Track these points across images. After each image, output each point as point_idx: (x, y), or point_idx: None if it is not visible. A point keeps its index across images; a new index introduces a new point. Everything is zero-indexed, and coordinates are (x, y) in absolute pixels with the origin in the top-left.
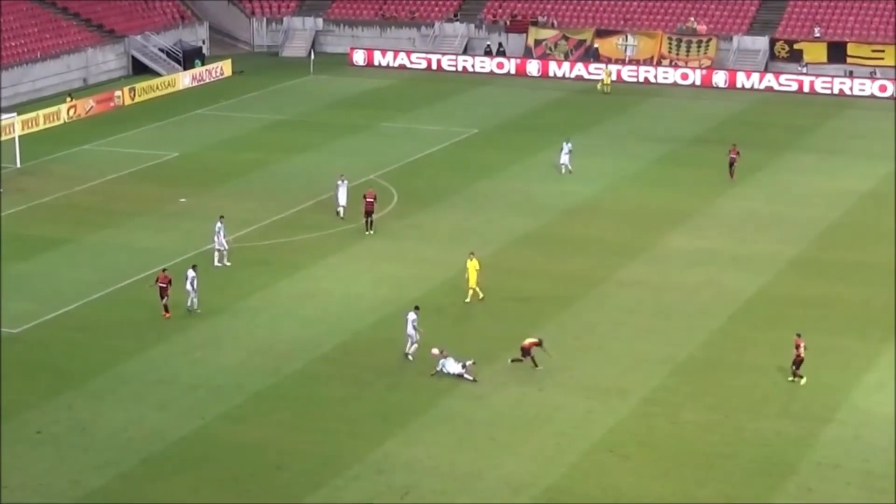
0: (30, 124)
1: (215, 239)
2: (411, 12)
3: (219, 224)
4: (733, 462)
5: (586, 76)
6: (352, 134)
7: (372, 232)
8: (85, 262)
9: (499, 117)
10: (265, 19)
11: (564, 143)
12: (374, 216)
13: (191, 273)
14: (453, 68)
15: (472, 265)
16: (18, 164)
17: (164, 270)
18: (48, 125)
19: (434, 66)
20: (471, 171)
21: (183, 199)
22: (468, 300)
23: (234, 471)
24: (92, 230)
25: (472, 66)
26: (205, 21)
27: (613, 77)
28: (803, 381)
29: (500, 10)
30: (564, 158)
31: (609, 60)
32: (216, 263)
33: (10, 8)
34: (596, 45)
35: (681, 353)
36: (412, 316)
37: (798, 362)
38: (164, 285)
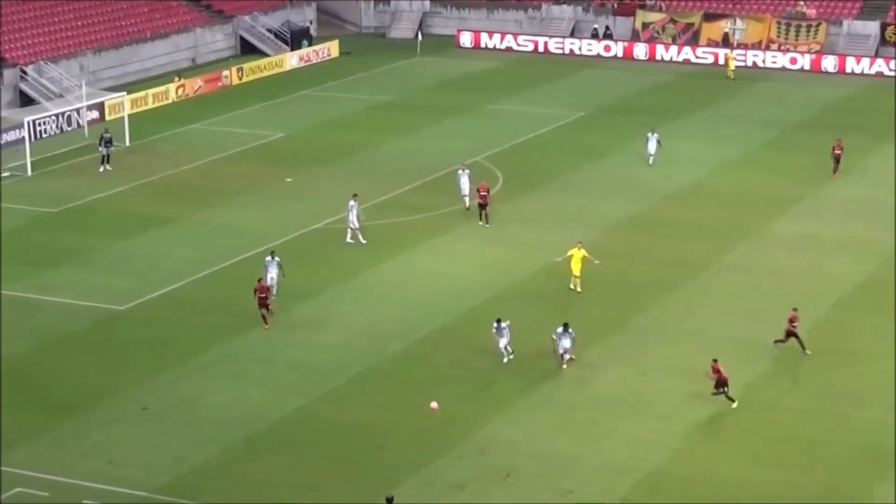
0: (139, 103)
1: (349, 217)
2: None
3: (351, 202)
4: (837, 450)
5: (693, 60)
6: (457, 116)
7: (487, 225)
8: (190, 241)
9: (605, 100)
10: (373, 0)
11: (650, 133)
12: (488, 209)
13: (268, 259)
14: (560, 51)
15: (578, 254)
16: (127, 143)
17: (259, 280)
18: (157, 104)
19: (541, 49)
20: (576, 155)
21: (288, 179)
22: (573, 287)
23: (335, 450)
24: (197, 209)
25: (579, 48)
26: (313, 2)
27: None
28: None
29: None
30: (651, 148)
31: (716, 44)
32: (348, 240)
33: None
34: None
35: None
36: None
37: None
38: (263, 295)
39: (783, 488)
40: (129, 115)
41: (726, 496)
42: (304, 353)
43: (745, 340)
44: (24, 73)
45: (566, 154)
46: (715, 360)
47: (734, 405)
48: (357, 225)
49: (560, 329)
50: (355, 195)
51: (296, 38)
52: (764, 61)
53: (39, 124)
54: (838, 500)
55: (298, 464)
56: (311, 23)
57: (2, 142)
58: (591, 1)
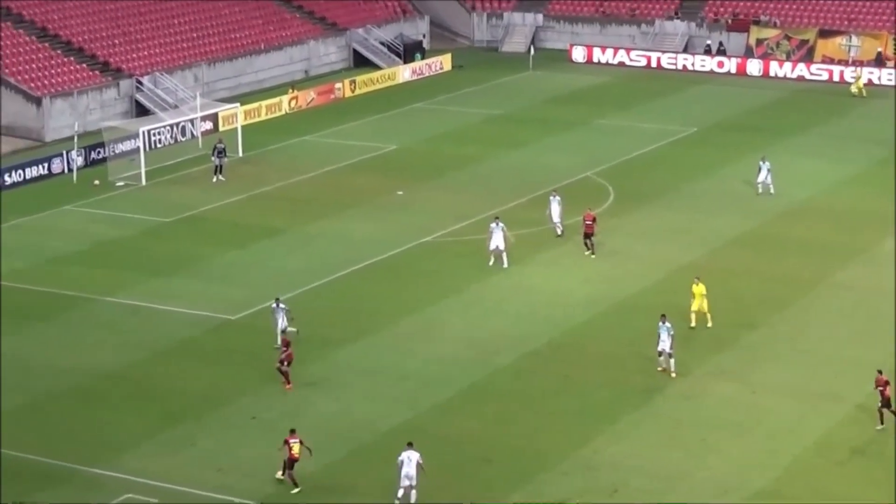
0: (252, 115)
1: (492, 240)
2: (632, 9)
3: (493, 224)
4: None
5: (808, 76)
6: (569, 130)
7: (593, 256)
8: (300, 252)
9: (718, 117)
10: (486, 14)
11: (762, 162)
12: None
13: (273, 306)
14: (673, 66)
15: (699, 290)
16: (240, 154)
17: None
18: (270, 116)
19: (654, 64)
20: (688, 170)
21: (400, 192)
22: (693, 325)
23: (442, 462)
24: (308, 220)
25: (692, 64)
26: (426, 15)
27: (864, 80)
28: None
29: (721, 9)
30: (764, 177)
31: (832, 61)
32: (490, 264)
33: (235, 1)
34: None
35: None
36: (412, 455)
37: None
38: (285, 352)
39: None
40: (243, 126)
41: None
42: (411, 366)
43: (855, 360)
44: (140, 83)
45: (678, 170)
46: (880, 372)
47: (879, 427)
48: (502, 248)
49: (659, 323)
50: (496, 218)
51: (409, 51)
52: (879, 78)
53: (154, 134)
54: None
55: None
56: (424, 36)
57: (117, 151)
58: (704, 17)
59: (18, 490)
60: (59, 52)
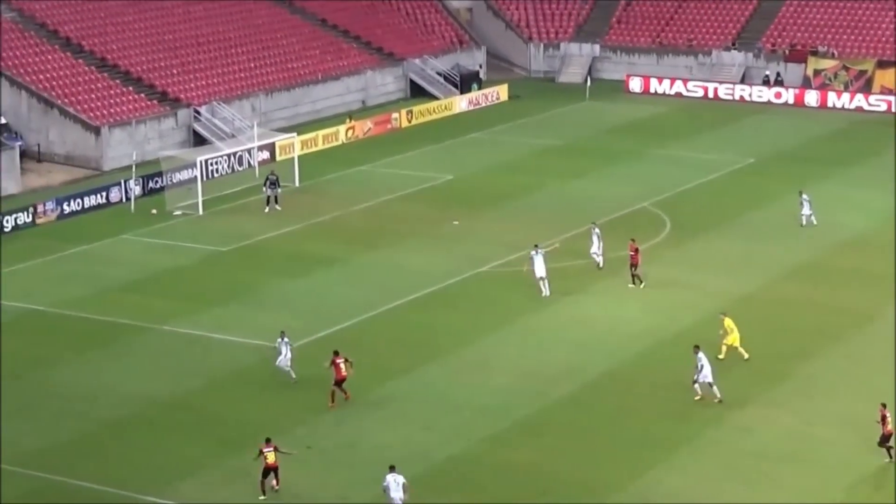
0: (309, 144)
1: (535, 268)
2: (689, 40)
3: (532, 252)
4: None
5: (866, 107)
6: (625, 161)
7: (641, 286)
8: (356, 282)
9: (775, 147)
10: (543, 45)
11: (802, 196)
12: (639, 269)
13: (279, 341)
14: (730, 97)
15: (730, 323)
16: (297, 184)
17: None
18: (327, 145)
19: (710, 95)
20: (744, 201)
21: (456, 222)
22: (722, 357)
23: (497, 494)
24: (365, 250)
25: (750, 95)
26: (483, 45)
27: None
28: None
29: (779, 40)
30: (805, 211)
31: (890, 91)
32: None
33: (293, 30)
34: None
35: None
36: (398, 479)
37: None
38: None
39: None
40: (300, 156)
41: None
42: (468, 396)
43: None
44: (198, 113)
45: (734, 200)
46: (884, 406)
47: (886, 461)
48: (545, 275)
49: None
50: (536, 245)
51: (465, 82)
52: None
53: (211, 164)
54: None
55: None
56: (480, 66)
57: (175, 180)
58: (762, 47)
59: None
60: (117, 81)
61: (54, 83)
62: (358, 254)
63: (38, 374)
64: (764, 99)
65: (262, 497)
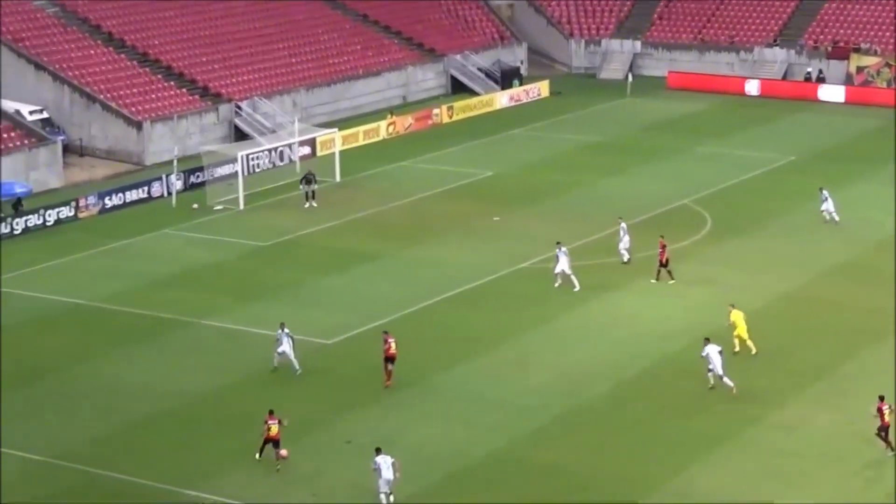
0: (350, 140)
1: (557, 265)
2: (731, 36)
3: (557, 250)
4: None
5: None
6: (666, 158)
7: (671, 282)
8: (396, 278)
9: (817, 145)
10: (584, 41)
11: (823, 192)
12: (668, 266)
13: (279, 332)
14: (771, 94)
15: (737, 316)
16: (337, 179)
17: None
18: (367, 141)
19: (752, 92)
20: (785, 199)
21: (496, 218)
22: (737, 350)
23: (536, 490)
24: (405, 246)
25: (792, 92)
26: (524, 41)
27: None
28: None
29: (821, 36)
30: (826, 206)
31: None
32: (575, 285)
33: (334, 26)
34: None
35: None
36: (387, 460)
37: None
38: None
39: None
40: (340, 152)
41: None
42: (507, 392)
43: None
44: (239, 108)
45: (776, 198)
46: (882, 399)
47: (890, 454)
48: (569, 270)
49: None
50: (558, 243)
51: (506, 78)
52: None
53: (252, 159)
54: None
55: (498, 503)
56: (521, 62)
57: (216, 175)
58: (804, 44)
59: None
60: (159, 77)
61: (97, 78)
62: (397, 250)
63: (79, 368)
64: (806, 96)
65: (257, 456)
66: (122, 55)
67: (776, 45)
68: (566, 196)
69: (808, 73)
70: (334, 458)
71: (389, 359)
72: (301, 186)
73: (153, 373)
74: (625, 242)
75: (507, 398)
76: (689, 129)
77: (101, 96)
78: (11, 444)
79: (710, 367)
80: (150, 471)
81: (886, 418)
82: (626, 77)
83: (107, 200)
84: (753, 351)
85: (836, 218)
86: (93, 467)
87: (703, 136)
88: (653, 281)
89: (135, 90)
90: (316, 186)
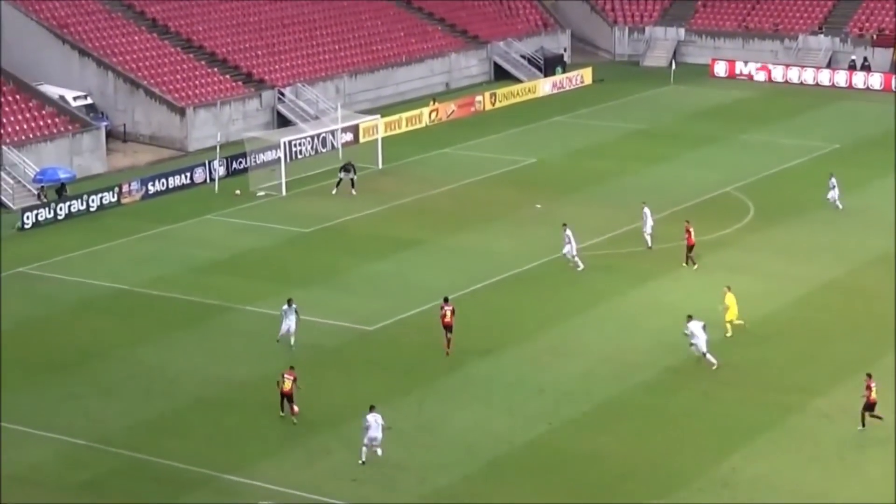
0: (392, 126)
1: (569, 245)
2: (775, 24)
3: (565, 233)
4: None
5: None
6: (709, 145)
7: (694, 268)
8: (438, 265)
9: (861, 133)
10: (627, 28)
11: (830, 179)
12: (693, 252)
13: (284, 308)
14: (816, 82)
15: (731, 299)
16: (380, 166)
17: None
18: (410, 128)
19: (796, 80)
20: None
21: (538, 206)
22: (729, 334)
23: (578, 478)
24: (447, 233)
25: (836, 80)
26: (567, 29)
27: None
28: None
29: (866, 24)
30: (832, 194)
31: None
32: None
33: (378, 12)
34: None
35: None
36: (378, 418)
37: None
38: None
39: None
40: (383, 138)
41: None
42: (548, 380)
43: None
44: (282, 94)
45: (819, 186)
46: (869, 376)
47: (860, 428)
48: (574, 252)
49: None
50: (564, 224)
51: (549, 65)
52: None
53: (295, 145)
54: None
55: (539, 491)
56: (565, 50)
57: (258, 162)
58: (849, 32)
59: (157, 495)
60: (203, 63)
61: (140, 64)
62: (440, 236)
63: (122, 352)
64: (850, 84)
65: (281, 414)
66: (166, 41)
67: (821, 33)
68: (608, 184)
69: (853, 61)
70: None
71: (446, 327)
72: (340, 174)
73: (196, 358)
74: (648, 226)
75: (549, 385)
76: (733, 117)
77: (145, 82)
78: (55, 427)
79: (693, 342)
80: (193, 456)
81: (873, 396)
82: (670, 64)
83: (150, 186)
84: (744, 324)
85: (840, 205)
86: (136, 451)
87: (746, 124)
88: (685, 265)
89: (178, 76)
90: (355, 176)
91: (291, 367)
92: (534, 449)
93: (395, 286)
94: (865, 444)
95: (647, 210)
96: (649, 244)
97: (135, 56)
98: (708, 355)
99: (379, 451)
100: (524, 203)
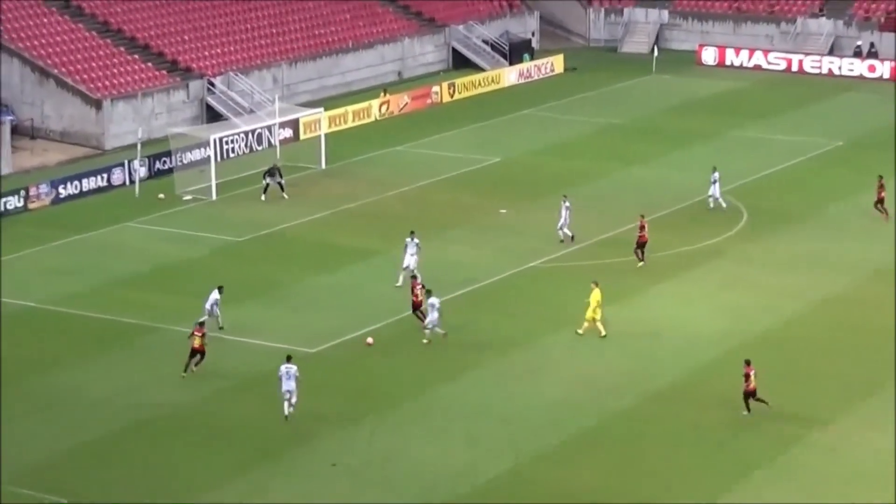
0: (337, 121)
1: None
2: (770, 6)
3: (408, 239)
4: None
5: None
6: (697, 143)
7: (640, 265)
8: (391, 277)
9: (867, 128)
10: (603, 10)
11: (713, 174)
12: (646, 248)
13: (214, 296)
14: (817, 70)
15: (595, 295)
16: (323, 166)
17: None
18: (357, 122)
19: (794, 68)
20: (831, 190)
21: (503, 211)
22: (581, 332)
23: None
24: (401, 241)
25: (839, 68)
26: (535, 11)
27: None
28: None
29: (873, 6)
30: (713, 190)
31: None
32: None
33: None
34: None
35: None
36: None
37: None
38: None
39: None
40: (326, 134)
41: None
42: (516, 407)
43: None
44: (212, 85)
45: (820, 189)
46: (748, 363)
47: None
48: (413, 266)
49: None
50: (412, 232)
51: (515, 52)
52: None
53: (226, 143)
54: None
55: None
56: (533, 34)
57: (185, 161)
58: (853, 15)
59: None
60: (122, 49)
61: (50, 50)
62: (393, 245)
63: (34, 378)
64: (855, 73)
65: (182, 374)
66: (80, 24)
67: (822, 16)
68: (583, 186)
69: (858, 46)
70: (319, 484)
71: (416, 306)
72: (265, 179)
73: (120, 384)
74: (563, 220)
75: (518, 412)
76: (723, 110)
77: (56, 71)
78: None
79: (429, 322)
80: (118, 491)
81: (752, 384)
82: (652, 51)
83: (61, 189)
84: (602, 333)
85: (724, 204)
86: (48, 493)
87: (738, 118)
88: (634, 258)
89: (94, 64)
90: (282, 180)
91: (201, 324)
92: (498, 485)
93: (343, 302)
94: (872, 481)
95: (566, 203)
96: (562, 239)
97: (44, 41)
98: (436, 328)
99: (293, 400)
100: (487, 208)
